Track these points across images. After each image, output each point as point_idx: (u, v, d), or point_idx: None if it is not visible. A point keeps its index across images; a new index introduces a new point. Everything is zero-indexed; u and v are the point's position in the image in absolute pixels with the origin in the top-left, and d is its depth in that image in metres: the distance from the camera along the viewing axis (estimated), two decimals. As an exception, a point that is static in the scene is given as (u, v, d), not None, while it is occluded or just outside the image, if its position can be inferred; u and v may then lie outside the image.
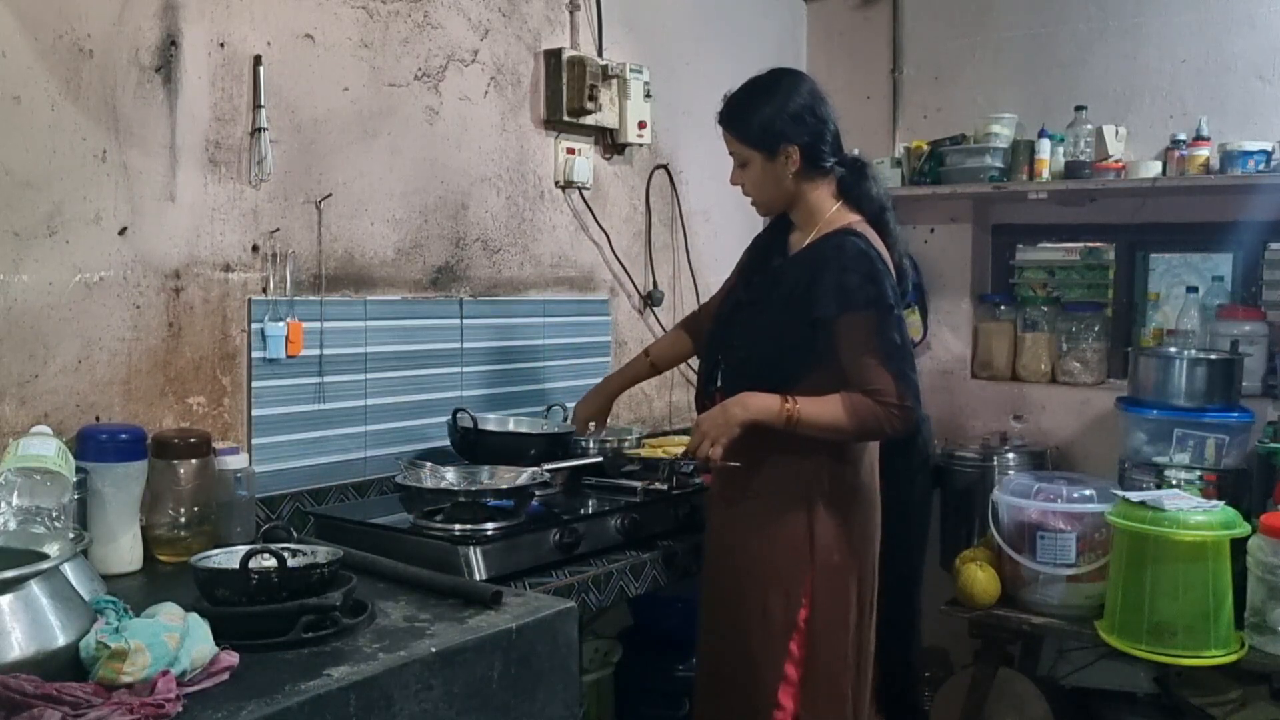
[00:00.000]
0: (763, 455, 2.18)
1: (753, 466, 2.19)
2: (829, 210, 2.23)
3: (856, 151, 2.27)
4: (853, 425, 2.09)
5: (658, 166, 3.32)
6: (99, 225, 2.05)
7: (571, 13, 3.01)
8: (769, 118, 2.19)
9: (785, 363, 2.17)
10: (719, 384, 2.27)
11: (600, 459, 2.64)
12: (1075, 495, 2.79)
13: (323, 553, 1.72)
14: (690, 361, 2.74)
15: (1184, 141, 3.13)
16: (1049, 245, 3.70)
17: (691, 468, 2.49)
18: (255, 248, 2.31)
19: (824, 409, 2.09)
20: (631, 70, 3.06)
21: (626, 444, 2.73)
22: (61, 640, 1.37)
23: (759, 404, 2.12)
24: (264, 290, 2.33)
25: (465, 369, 2.75)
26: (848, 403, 2.08)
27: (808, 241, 2.23)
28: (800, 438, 2.12)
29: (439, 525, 2.13)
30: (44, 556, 1.43)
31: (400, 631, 1.62)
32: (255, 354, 2.31)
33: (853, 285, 2.09)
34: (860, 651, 2.26)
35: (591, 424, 2.64)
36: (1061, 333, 3.51)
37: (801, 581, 2.17)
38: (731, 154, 2.27)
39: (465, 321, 2.75)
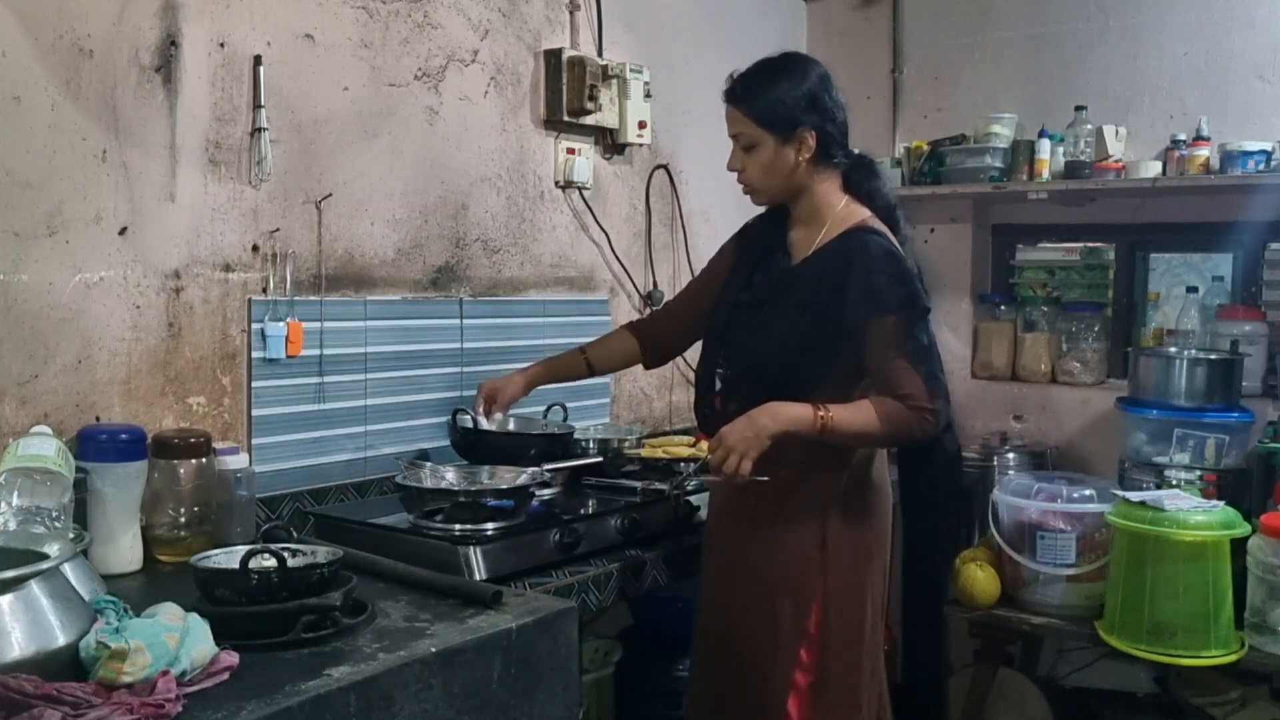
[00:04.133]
0: (771, 463, 2.08)
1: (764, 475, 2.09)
2: (838, 205, 2.13)
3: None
4: (885, 431, 2.02)
5: (658, 166, 3.32)
6: (99, 225, 2.05)
7: (571, 13, 3.01)
8: (784, 97, 2.07)
9: (804, 369, 2.07)
10: (719, 388, 2.21)
11: (600, 459, 2.64)
12: (1075, 495, 2.79)
13: (323, 553, 1.72)
14: (695, 363, 2.70)
15: (1184, 141, 3.13)
16: (1049, 245, 3.70)
17: (698, 480, 2.43)
18: (255, 248, 2.31)
19: (857, 416, 2.00)
20: (631, 70, 3.06)
21: (626, 444, 2.73)
22: (61, 640, 1.37)
23: (791, 414, 2.00)
24: (264, 290, 2.33)
25: (465, 369, 2.75)
26: (880, 409, 1.99)
27: (820, 239, 2.13)
28: (813, 446, 2.03)
29: (439, 525, 2.13)
30: (44, 556, 1.43)
31: (400, 631, 1.62)
32: (255, 354, 2.30)
33: (881, 286, 2.01)
34: (874, 658, 2.20)
35: (491, 404, 2.40)
36: (1061, 333, 3.51)
37: (812, 589, 2.09)
38: (736, 136, 2.13)
39: (465, 321, 2.75)
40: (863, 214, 2.13)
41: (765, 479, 2.03)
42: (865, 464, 2.17)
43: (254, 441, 2.31)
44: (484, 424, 2.49)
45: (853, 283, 2.03)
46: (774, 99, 2.08)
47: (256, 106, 2.27)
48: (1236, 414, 2.92)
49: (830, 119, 2.10)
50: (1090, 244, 3.62)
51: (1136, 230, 3.46)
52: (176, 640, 1.38)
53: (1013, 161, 3.37)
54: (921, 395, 2.00)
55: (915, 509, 2.26)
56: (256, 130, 2.28)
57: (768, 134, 2.09)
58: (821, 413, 1.99)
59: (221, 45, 2.23)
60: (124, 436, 1.96)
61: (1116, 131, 3.25)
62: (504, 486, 2.23)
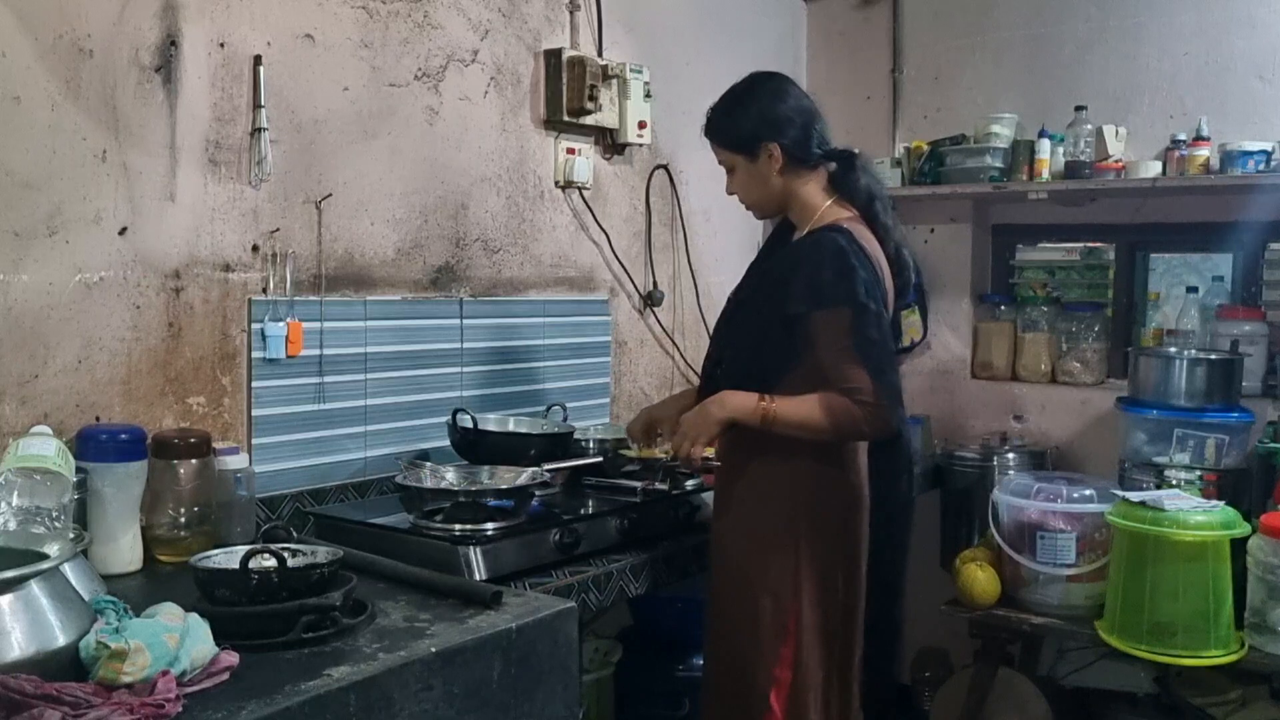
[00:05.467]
0: (751, 460, 2.18)
1: (742, 472, 2.19)
2: (821, 206, 2.21)
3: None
4: (829, 424, 2.05)
5: (658, 166, 3.32)
6: (99, 225, 2.05)
7: (571, 13, 3.01)
8: (746, 120, 2.20)
9: (765, 361, 2.15)
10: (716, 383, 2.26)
11: (600, 459, 2.64)
12: (1075, 495, 2.79)
13: (323, 553, 1.72)
14: (694, 363, 2.72)
15: (1184, 141, 3.13)
16: (1049, 245, 3.71)
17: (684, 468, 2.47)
18: (255, 248, 2.31)
19: (800, 408, 2.06)
20: (631, 70, 3.06)
21: (626, 444, 2.73)
22: (61, 640, 1.37)
23: (735, 402, 2.12)
24: (264, 290, 2.33)
25: (465, 369, 2.75)
26: (825, 402, 2.05)
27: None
28: (789, 441, 2.10)
29: (439, 525, 2.13)
30: (44, 556, 1.43)
31: (400, 631, 1.62)
32: (255, 354, 2.30)
33: (825, 282, 2.06)
34: (849, 654, 2.25)
35: (651, 433, 2.50)
36: (1061, 333, 3.51)
37: (791, 585, 2.15)
38: (721, 164, 2.28)
39: (465, 321, 2.75)
40: (840, 215, 2.18)
41: (716, 464, 2.22)
42: (842, 462, 2.21)
43: (254, 441, 2.31)
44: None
45: (799, 277, 2.10)
46: (734, 123, 2.23)
47: (256, 106, 2.27)
48: (1236, 414, 2.92)
49: (799, 126, 2.20)
50: (1090, 244, 3.62)
51: (1136, 230, 3.46)
52: (176, 640, 1.38)
53: (1013, 161, 3.37)
54: (868, 390, 2.03)
55: (872, 510, 2.28)
56: (256, 130, 2.28)
57: (738, 156, 2.24)
58: (764, 402, 2.09)
59: (221, 45, 2.23)
60: (124, 436, 1.97)
61: (1116, 131, 3.25)
62: (504, 486, 2.24)
